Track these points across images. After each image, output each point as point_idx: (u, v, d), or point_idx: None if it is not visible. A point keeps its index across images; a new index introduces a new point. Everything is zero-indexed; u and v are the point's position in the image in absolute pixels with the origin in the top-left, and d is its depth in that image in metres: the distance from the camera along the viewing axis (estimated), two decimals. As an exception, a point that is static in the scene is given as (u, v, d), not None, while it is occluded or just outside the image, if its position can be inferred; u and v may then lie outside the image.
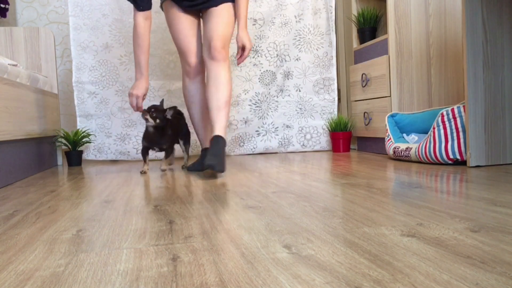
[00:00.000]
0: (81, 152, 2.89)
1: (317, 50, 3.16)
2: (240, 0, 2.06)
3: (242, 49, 2.05)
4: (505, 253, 0.72)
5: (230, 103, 2.08)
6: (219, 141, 1.90)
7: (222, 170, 1.82)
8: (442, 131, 1.99)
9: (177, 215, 1.15)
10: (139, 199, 1.43)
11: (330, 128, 3.11)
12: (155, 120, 2.16)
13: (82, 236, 0.97)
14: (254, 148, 3.12)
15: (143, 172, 2.21)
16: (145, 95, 2.12)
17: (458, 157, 1.95)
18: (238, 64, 2.07)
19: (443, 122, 1.99)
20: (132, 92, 2.09)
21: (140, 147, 2.99)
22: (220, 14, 2.08)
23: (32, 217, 1.21)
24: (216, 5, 2.08)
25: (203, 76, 2.23)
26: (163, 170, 2.28)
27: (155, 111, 2.15)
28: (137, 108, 2.12)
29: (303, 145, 3.19)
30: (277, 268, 0.70)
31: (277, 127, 3.16)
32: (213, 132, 1.97)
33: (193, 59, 2.17)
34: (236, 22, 2.10)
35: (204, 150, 2.27)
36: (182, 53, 2.18)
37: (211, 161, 1.79)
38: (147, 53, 2.11)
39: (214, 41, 2.03)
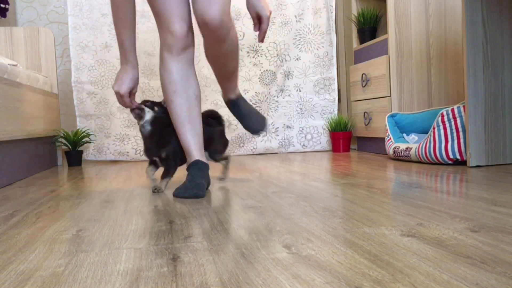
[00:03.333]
0: (81, 152, 2.89)
1: (317, 49, 3.16)
2: None
3: (258, 19, 1.53)
4: (505, 253, 0.72)
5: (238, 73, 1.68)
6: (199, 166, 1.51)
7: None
8: (442, 131, 1.99)
9: (177, 215, 1.15)
10: (139, 199, 1.43)
11: (330, 128, 3.11)
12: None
13: (82, 236, 0.97)
14: (254, 148, 3.12)
15: None
16: (133, 88, 1.55)
17: (458, 157, 1.95)
18: (260, 41, 1.56)
19: (443, 122, 1.99)
20: (114, 89, 1.52)
21: (140, 148, 2.99)
22: None
23: (32, 217, 1.21)
24: None
25: (192, 51, 1.54)
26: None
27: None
28: (128, 106, 1.57)
29: (304, 145, 3.18)
30: (277, 268, 0.70)
31: (278, 128, 3.15)
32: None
33: (177, 25, 1.47)
34: None
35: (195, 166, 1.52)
36: (161, 17, 1.48)
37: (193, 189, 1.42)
38: (132, 31, 1.50)
39: (210, 9, 1.39)
